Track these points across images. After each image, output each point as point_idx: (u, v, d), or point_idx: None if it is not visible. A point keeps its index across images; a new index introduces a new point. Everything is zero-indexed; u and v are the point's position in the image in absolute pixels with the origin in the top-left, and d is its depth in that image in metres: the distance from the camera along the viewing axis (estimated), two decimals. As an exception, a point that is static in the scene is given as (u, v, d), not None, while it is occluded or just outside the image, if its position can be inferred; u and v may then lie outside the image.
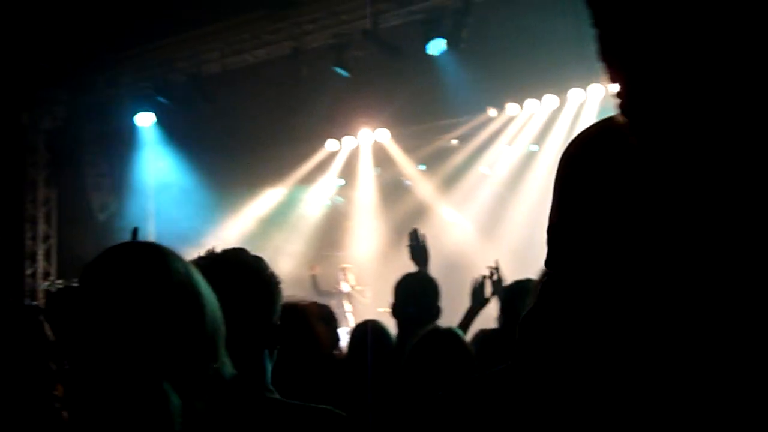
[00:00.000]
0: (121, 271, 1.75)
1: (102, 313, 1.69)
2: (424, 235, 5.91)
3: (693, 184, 0.64)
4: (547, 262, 1.33)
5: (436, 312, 4.89)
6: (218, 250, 2.44)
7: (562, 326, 1.26)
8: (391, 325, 5.08)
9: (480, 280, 5.60)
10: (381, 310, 13.61)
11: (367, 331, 4.89)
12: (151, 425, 1.59)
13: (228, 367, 1.81)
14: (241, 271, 2.32)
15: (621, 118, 1.26)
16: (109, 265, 1.78)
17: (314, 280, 14.99)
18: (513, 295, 4.53)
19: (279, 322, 2.38)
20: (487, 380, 1.42)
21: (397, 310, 4.92)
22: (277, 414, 2.25)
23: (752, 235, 0.62)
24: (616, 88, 0.70)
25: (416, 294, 4.90)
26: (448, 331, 3.38)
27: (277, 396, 2.32)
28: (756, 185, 0.60)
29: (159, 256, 1.78)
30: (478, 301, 5.45)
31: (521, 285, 4.52)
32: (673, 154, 0.65)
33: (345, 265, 15.16)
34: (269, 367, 2.36)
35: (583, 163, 1.25)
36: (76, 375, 1.76)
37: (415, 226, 6.13)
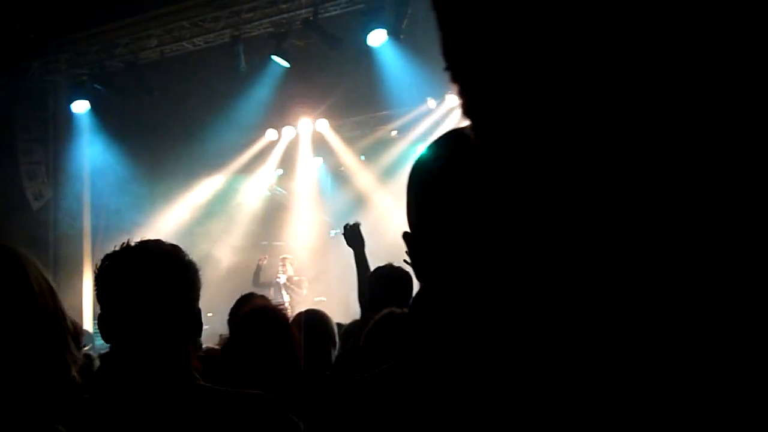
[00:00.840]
0: None
1: None
2: (358, 223, 6.10)
3: (519, 183, 0.67)
4: (415, 271, 1.39)
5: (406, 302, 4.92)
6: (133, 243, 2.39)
7: (435, 328, 1.32)
8: (336, 315, 5.11)
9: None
10: (318, 299, 13.64)
11: (301, 320, 4.91)
12: None
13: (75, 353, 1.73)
14: (159, 259, 2.30)
15: (460, 130, 1.32)
16: None
17: (257, 271, 14.92)
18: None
19: (200, 310, 2.37)
20: (377, 377, 1.46)
21: (370, 303, 4.95)
22: (208, 400, 2.24)
23: (569, 231, 0.65)
24: (456, 90, 0.72)
25: (389, 284, 4.92)
26: (404, 314, 3.38)
27: (203, 383, 2.31)
28: (576, 181, 0.63)
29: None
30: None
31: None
32: (503, 152, 0.67)
33: (285, 256, 15.11)
34: (191, 355, 2.34)
35: (433, 175, 1.30)
36: None
37: (347, 221, 6.30)
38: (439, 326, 1.32)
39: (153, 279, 2.24)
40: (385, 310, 3.57)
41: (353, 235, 5.94)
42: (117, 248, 2.31)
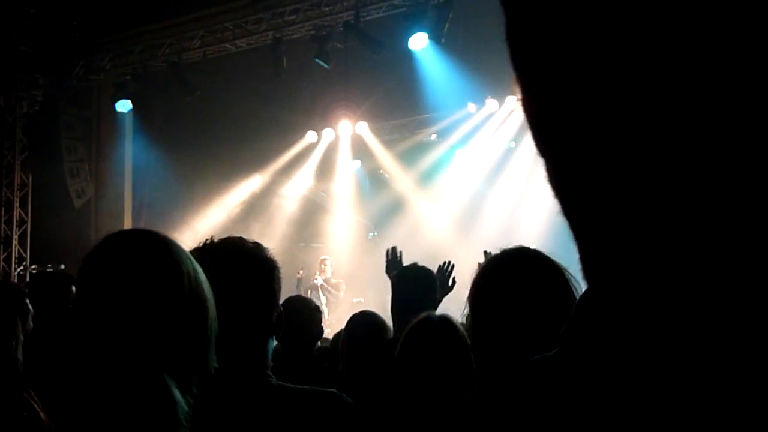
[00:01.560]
0: (133, 263, 1.69)
1: (107, 306, 1.64)
2: (401, 252, 6.06)
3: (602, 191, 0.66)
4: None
5: (434, 303, 4.90)
6: (216, 239, 2.39)
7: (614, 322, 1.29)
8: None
9: (444, 267, 5.71)
10: (356, 300, 13.64)
11: (357, 323, 4.93)
12: (154, 420, 1.57)
13: (213, 361, 1.76)
14: (241, 257, 2.30)
15: None
16: (119, 256, 1.71)
17: (298, 285, 14.91)
18: None
19: (281, 310, 2.36)
20: (537, 367, 1.42)
21: (395, 303, 4.92)
22: (283, 398, 2.23)
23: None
24: (521, 98, 0.73)
25: (415, 285, 4.91)
26: (442, 318, 3.37)
27: (277, 381, 2.30)
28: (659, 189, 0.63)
29: (169, 253, 1.72)
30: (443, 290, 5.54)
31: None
32: (582, 162, 0.67)
33: (324, 257, 15.13)
34: (270, 354, 2.34)
35: None
36: (75, 367, 1.71)
37: (393, 246, 6.26)
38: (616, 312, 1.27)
39: (235, 276, 2.23)
40: (423, 314, 3.55)
41: (395, 267, 5.90)
42: (200, 244, 2.31)
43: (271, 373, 2.31)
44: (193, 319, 1.69)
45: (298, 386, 2.29)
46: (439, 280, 5.25)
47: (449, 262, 5.74)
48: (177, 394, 1.58)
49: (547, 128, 0.73)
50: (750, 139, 0.61)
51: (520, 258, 2.50)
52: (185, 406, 1.58)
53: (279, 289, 2.39)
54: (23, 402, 2.77)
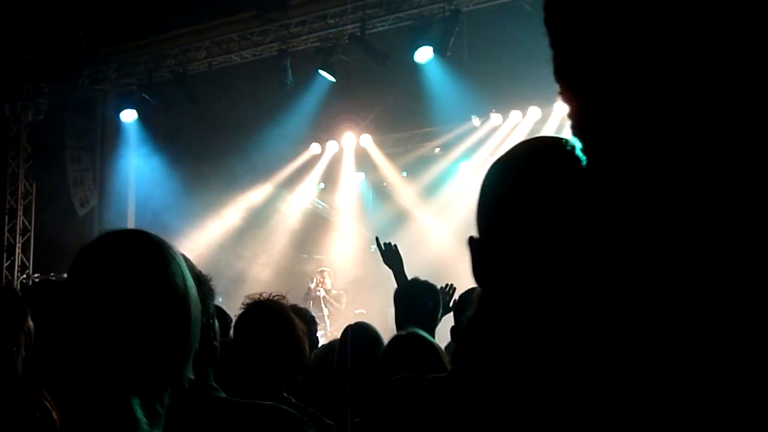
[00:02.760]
0: (120, 264, 1.66)
1: (89, 307, 1.61)
2: (395, 245, 6.03)
3: (646, 201, 0.66)
4: (476, 276, 1.37)
5: (435, 316, 4.92)
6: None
7: (497, 337, 1.32)
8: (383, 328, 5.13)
9: (446, 289, 5.68)
10: (358, 311, 13.64)
11: (351, 334, 4.93)
12: None
13: (189, 372, 1.74)
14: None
15: (547, 140, 1.32)
16: (106, 256, 1.69)
17: (308, 292, 14.88)
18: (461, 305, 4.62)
19: (212, 322, 2.38)
20: (424, 382, 1.47)
21: (399, 316, 4.95)
22: (225, 412, 2.25)
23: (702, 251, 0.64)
24: (568, 108, 0.73)
25: (419, 299, 4.92)
26: (411, 334, 3.42)
27: (222, 394, 2.32)
28: (709, 204, 0.62)
29: (159, 253, 1.70)
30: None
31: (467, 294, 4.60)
32: (626, 173, 0.66)
33: (323, 269, 15.13)
34: (210, 365, 2.36)
35: (515, 181, 1.29)
36: (51, 369, 1.69)
37: (376, 235, 6.24)
38: (500, 333, 1.31)
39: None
40: (392, 336, 3.61)
41: (391, 254, 5.91)
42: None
43: (216, 386, 2.33)
44: (174, 323, 1.65)
45: (242, 400, 2.31)
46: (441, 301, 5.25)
47: (451, 285, 5.73)
48: (139, 412, 1.55)
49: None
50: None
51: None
52: (146, 426, 1.55)
53: (211, 300, 2.41)
54: (36, 401, 2.77)
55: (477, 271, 1.34)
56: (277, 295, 3.29)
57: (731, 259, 0.63)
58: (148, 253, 1.69)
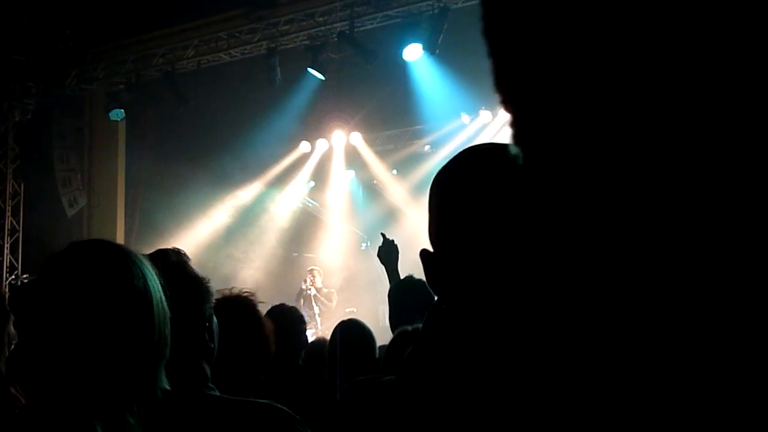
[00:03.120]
0: (80, 272, 1.67)
1: (51, 311, 1.61)
2: (392, 240, 5.99)
3: (585, 204, 0.68)
4: (432, 287, 1.40)
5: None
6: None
7: (446, 345, 1.35)
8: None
9: None
10: (348, 310, 13.65)
11: (343, 332, 4.93)
12: None
13: (163, 381, 1.72)
14: (168, 273, 2.30)
15: (489, 147, 1.33)
16: (68, 264, 1.70)
17: (301, 291, 14.90)
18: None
19: (210, 324, 2.37)
20: (382, 385, 1.51)
21: (393, 315, 4.93)
22: (219, 410, 2.24)
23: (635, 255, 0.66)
24: (507, 117, 0.75)
25: (412, 298, 4.90)
26: (418, 330, 3.41)
27: (216, 393, 2.31)
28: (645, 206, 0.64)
29: (119, 258, 1.70)
30: None
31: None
32: (567, 179, 0.69)
33: (312, 267, 15.15)
34: (207, 365, 2.35)
35: (461, 190, 1.30)
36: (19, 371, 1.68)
37: (381, 232, 6.18)
38: (450, 343, 1.33)
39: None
40: (398, 329, 3.60)
41: (388, 252, 5.86)
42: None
43: (212, 386, 2.32)
44: (135, 326, 1.63)
45: (238, 398, 2.30)
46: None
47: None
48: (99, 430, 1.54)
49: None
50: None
51: None
52: None
53: (208, 303, 2.39)
54: (13, 398, 2.76)
55: (430, 281, 1.36)
56: (246, 292, 3.28)
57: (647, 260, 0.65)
58: (107, 257, 1.70)
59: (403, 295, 4.91)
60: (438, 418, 1.26)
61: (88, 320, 1.59)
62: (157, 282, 1.74)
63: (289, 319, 4.88)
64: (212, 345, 2.38)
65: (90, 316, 1.59)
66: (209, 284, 2.40)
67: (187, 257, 2.42)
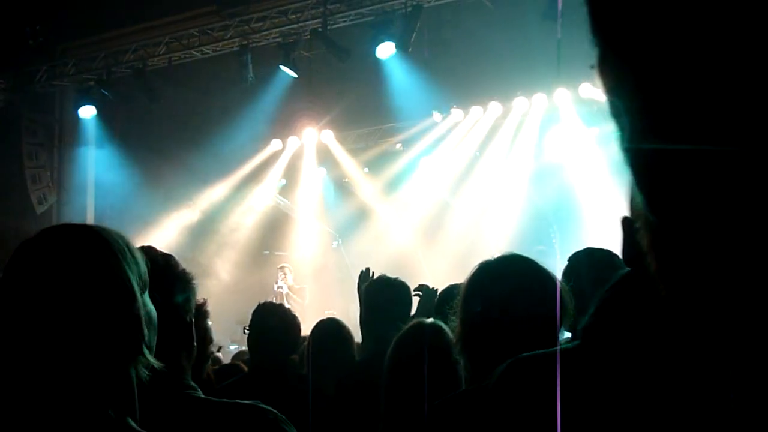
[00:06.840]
0: (53, 259, 1.63)
1: (23, 302, 1.57)
2: (373, 272, 5.82)
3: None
4: (625, 257, 1.35)
5: (407, 314, 4.83)
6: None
7: (638, 318, 1.30)
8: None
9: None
10: (328, 312, 13.60)
11: (322, 330, 4.92)
12: None
13: (143, 371, 1.67)
14: (152, 269, 2.26)
15: None
16: (40, 251, 1.67)
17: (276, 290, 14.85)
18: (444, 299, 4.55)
19: (192, 320, 2.34)
20: (552, 356, 1.47)
21: (366, 315, 4.89)
22: (204, 412, 2.22)
23: None
24: (609, 101, 0.63)
25: (387, 297, 4.85)
26: (433, 324, 3.37)
27: (200, 394, 2.29)
28: None
29: (97, 246, 1.64)
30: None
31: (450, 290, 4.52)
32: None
33: (283, 265, 15.11)
34: (188, 365, 2.32)
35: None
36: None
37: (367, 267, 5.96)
38: (646, 315, 1.29)
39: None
40: (416, 320, 3.55)
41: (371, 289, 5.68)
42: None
43: (195, 386, 2.30)
44: (115, 322, 1.58)
45: (223, 400, 2.28)
46: (424, 305, 5.12)
47: (436, 290, 5.43)
48: None
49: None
50: None
51: (512, 263, 2.52)
52: None
53: (192, 301, 2.36)
54: None
55: (627, 251, 1.32)
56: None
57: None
58: (82, 242, 1.65)
59: (377, 295, 4.89)
60: (630, 386, 1.23)
61: (62, 310, 1.55)
62: (139, 268, 1.70)
63: (276, 317, 4.77)
64: (195, 343, 2.35)
65: (64, 306, 1.55)
66: (195, 282, 2.38)
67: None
